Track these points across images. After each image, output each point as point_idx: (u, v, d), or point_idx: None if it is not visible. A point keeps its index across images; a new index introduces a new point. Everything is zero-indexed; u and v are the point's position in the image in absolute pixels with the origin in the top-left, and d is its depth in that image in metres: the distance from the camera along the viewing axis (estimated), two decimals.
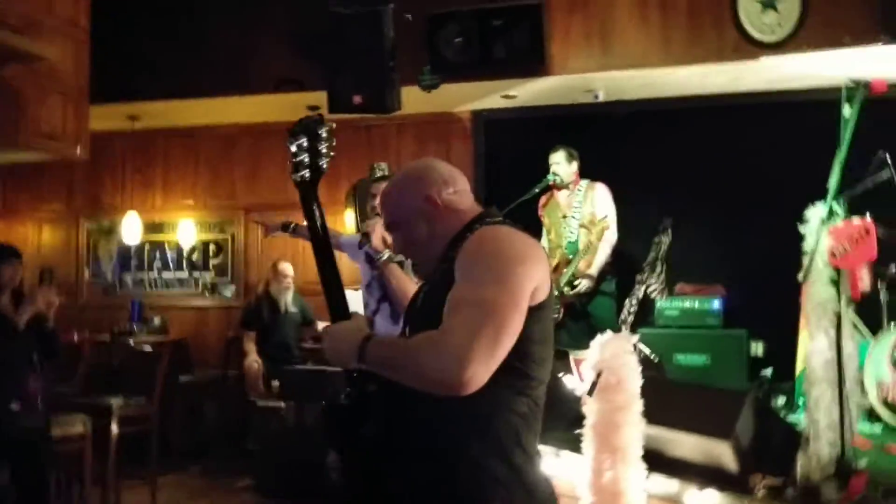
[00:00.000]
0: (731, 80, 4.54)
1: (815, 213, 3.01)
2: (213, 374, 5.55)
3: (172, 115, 5.63)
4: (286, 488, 4.36)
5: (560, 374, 3.87)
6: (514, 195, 4.33)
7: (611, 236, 4.34)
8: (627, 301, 3.22)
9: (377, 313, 2.94)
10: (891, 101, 3.28)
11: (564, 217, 4.52)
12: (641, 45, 4.38)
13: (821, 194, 3.40)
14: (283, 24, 4.87)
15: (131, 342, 5.33)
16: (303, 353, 5.25)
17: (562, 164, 4.50)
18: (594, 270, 4.31)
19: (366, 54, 4.22)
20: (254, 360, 5.03)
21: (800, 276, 3.03)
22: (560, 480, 3.09)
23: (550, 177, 4.48)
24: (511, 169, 5.03)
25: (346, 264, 4.49)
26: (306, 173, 1.54)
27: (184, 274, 6.10)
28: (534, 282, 1.42)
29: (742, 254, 4.62)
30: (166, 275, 6.14)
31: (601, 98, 4.87)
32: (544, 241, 4.62)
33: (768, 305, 4.29)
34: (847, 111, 3.18)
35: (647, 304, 4.28)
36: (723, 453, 2.84)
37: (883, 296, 3.24)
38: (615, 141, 4.94)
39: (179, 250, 6.09)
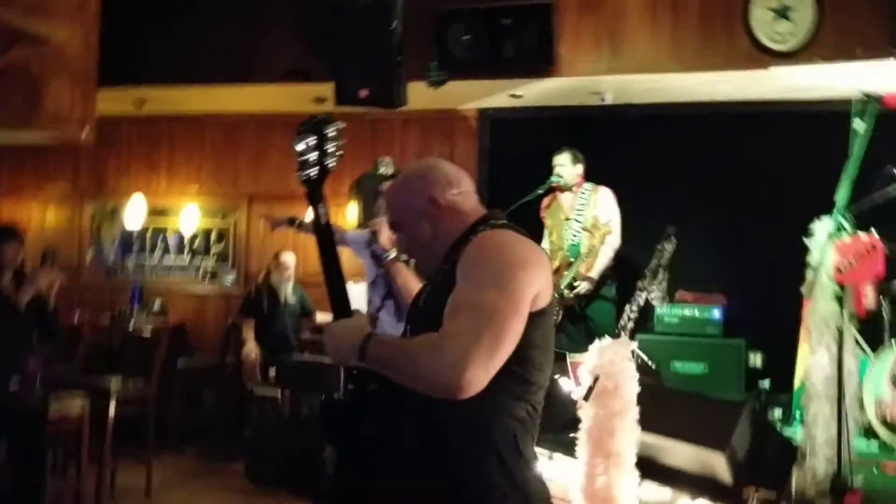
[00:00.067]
0: (741, 87, 4.52)
1: (822, 227, 3.00)
2: (211, 360, 5.57)
3: (179, 101, 5.62)
4: (278, 476, 4.39)
5: (556, 377, 3.87)
6: (518, 195, 4.32)
7: (614, 240, 4.33)
8: (627, 307, 3.21)
9: (382, 310, 2.95)
10: None
11: (567, 219, 4.51)
12: (651, 50, 4.35)
13: (827, 207, 3.39)
14: (292, 14, 4.85)
15: (131, 326, 5.35)
16: (300, 343, 5.25)
17: (566, 166, 4.49)
18: (595, 273, 4.30)
19: (374, 48, 4.21)
20: (252, 349, 5.04)
21: (804, 290, 3.02)
22: (553, 483, 3.10)
23: (554, 178, 4.47)
24: (515, 169, 5.01)
25: (348, 257, 4.50)
26: (312, 172, 1.54)
27: (185, 260, 6.11)
28: (535, 287, 1.42)
29: (744, 263, 4.61)
30: (167, 260, 6.14)
31: (608, 101, 4.85)
32: (546, 243, 4.61)
33: (768, 316, 4.29)
34: (858, 124, 3.17)
35: (646, 311, 4.27)
36: (717, 464, 2.83)
37: (886, 312, 3.23)
38: (621, 144, 4.92)
39: (181, 236, 6.10)
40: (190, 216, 5.98)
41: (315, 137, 1.54)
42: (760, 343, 4.35)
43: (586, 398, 2.95)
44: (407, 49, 4.25)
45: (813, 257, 3.02)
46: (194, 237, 6.08)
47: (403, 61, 4.22)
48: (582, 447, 2.96)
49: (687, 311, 4.48)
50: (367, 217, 4.42)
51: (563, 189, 4.53)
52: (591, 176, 4.56)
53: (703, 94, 4.71)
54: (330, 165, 1.55)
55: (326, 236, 1.54)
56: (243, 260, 6.00)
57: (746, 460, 2.94)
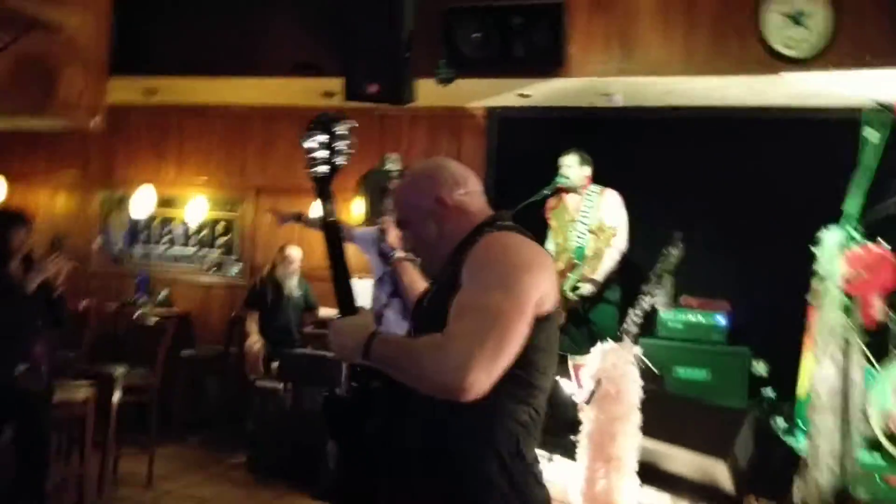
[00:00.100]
0: (753, 93, 4.48)
1: (830, 236, 2.98)
2: (215, 350, 5.58)
3: (189, 92, 5.62)
4: (279, 469, 4.40)
5: (558, 379, 3.86)
6: (524, 194, 4.30)
7: (620, 243, 4.31)
8: (632, 311, 3.20)
9: (388, 308, 2.95)
10: None
11: (572, 221, 4.50)
12: (662, 52, 4.32)
13: (835, 216, 3.36)
14: (303, 7, 4.84)
15: (136, 314, 5.37)
16: (303, 337, 5.26)
17: (573, 168, 4.47)
18: (600, 276, 4.29)
19: (384, 43, 4.20)
20: (255, 341, 5.06)
21: (810, 299, 3.00)
22: (552, 486, 3.10)
23: (561, 179, 4.46)
24: (522, 168, 4.99)
25: (353, 253, 4.50)
26: (321, 169, 1.54)
27: (191, 250, 6.12)
28: (540, 291, 1.42)
29: (750, 270, 4.58)
30: (174, 249, 6.16)
31: (618, 103, 4.82)
32: (550, 245, 4.60)
33: (773, 325, 4.26)
34: (869, 133, 3.14)
35: (650, 316, 4.26)
36: (718, 472, 2.83)
37: (893, 324, 3.20)
38: (629, 147, 4.89)
39: (189, 226, 6.11)
40: (197, 207, 5.99)
41: (325, 134, 1.53)
42: (765, 351, 4.33)
43: (588, 402, 2.95)
44: (416, 45, 4.24)
45: (821, 266, 3.00)
46: (201, 228, 6.09)
47: (412, 58, 4.21)
48: (583, 450, 2.96)
49: (691, 317, 4.46)
50: (373, 213, 4.43)
51: (569, 190, 4.51)
52: (599, 178, 4.54)
53: (713, 99, 4.68)
54: (339, 163, 1.54)
55: (334, 233, 1.54)
56: (249, 252, 6.01)
57: (748, 469, 2.94)
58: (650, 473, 2.95)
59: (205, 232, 6.09)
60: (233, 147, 6.05)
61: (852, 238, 2.99)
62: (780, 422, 3.91)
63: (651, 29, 4.32)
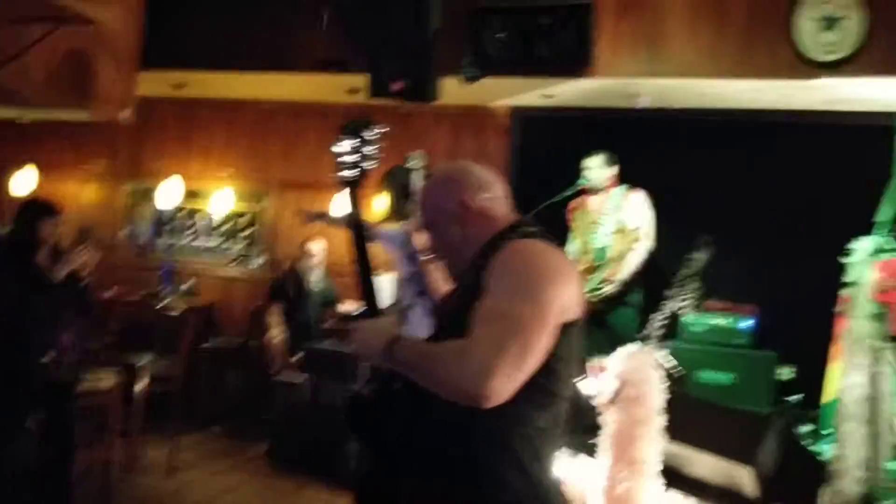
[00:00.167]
0: (783, 97, 4.43)
1: (862, 245, 2.94)
2: (237, 342, 5.63)
3: (217, 86, 5.67)
4: (298, 459, 4.45)
5: (576, 379, 3.85)
6: (547, 195, 4.29)
7: (644, 246, 4.28)
8: (656, 315, 3.17)
9: (414, 308, 2.96)
10: None
11: (594, 223, 4.48)
12: (691, 55, 4.28)
13: (867, 224, 3.32)
14: (331, 4, 4.86)
15: (161, 305, 5.44)
16: (323, 331, 5.30)
17: (597, 169, 4.45)
18: (622, 277, 4.27)
19: (410, 41, 4.20)
20: (277, 334, 5.10)
21: (840, 309, 2.96)
22: (571, 486, 3.09)
23: (583, 180, 4.44)
24: (545, 168, 4.98)
25: (376, 250, 4.51)
26: (350, 174, 1.55)
27: (215, 242, 6.18)
28: (563, 301, 1.42)
29: (777, 276, 4.53)
30: (198, 242, 6.22)
31: (644, 104, 4.79)
32: (572, 246, 4.58)
33: (800, 331, 4.20)
34: None
35: (674, 318, 4.23)
36: (743, 478, 2.81)
37: None
38: (655, 149, 4.85)
39: (212, 219, 6.17)
40: (222, 200, 6.04)
41: (355, 140, 1.55)
42: (790, 357, 4.28)
43: (610, 404, 2.94)
44: (442, 43, 4.23)
45: (852, 275, 2.96)
46: (225, 221, 6.14)
47: (438, 56, 4.21)
48: (604, 452, 2.94)
49: (716, 320, 4.42)
50: (395, 210, 4.44)
51: (591, 192, 4.49)
52: (624, 180, 4.51)
53: (742, 102, 4.63)
54: (367, 167, 1.56)
55: (360, 236, 1.56)
56: (272, 245, 6.06)
57: (773, 476, 2.91)
58: (674, 477, 2.93)
59: (229, 225, 6.14)
60: (258, 141, 6.09)
61: (884, 247, 2.94)
62: (804, 428, 3.87)
63: (679, 31, 4.28)
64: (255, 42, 5.04)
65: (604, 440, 2.95)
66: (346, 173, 1.56)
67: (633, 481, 2.82)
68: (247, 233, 6.12)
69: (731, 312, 4.40)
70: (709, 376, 4.26)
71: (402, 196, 4.45)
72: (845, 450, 2.83)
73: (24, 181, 6.34)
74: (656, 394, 2.93)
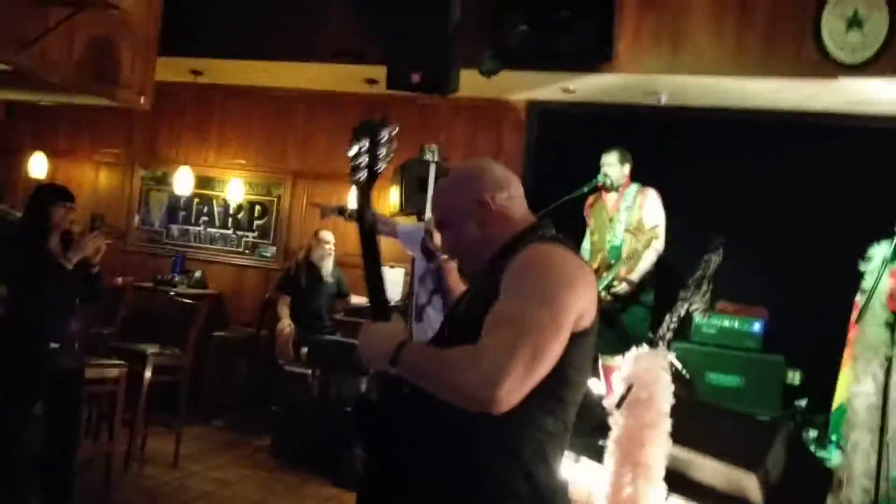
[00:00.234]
0: (806, 97, 4.36)
1: (879, 251, 2.89)
2: (246, 332, 5.65)
3: (233, 74, 5.67)
4: (303, 454, 4.44)
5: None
6: (563, 190, 4.26)
7: (658, 245, 4.24)
8: (668, 317, 3.14)
9: (429, 306, 2.95)
10: None
11: (611, 220, 4.44)
12: (713, 52, 4.22)
13: (884, 230, 3.26)
14: None
15: (171, 292, 5.46)
16: (334, 323, 5.30)
17: (614, 166, 4.40)
18: (636, 276, 4.23)
19: (430, 33, 4.16)
20: (286, 325, 5.11)
21: (854, 317, 2.92)
22: (577, 487, 3.08)
23: (601, 177, 4.40)
24: (561, 163, 4.94)
25: (385, 242, 4.48)
26: (363, 175, 1.54)
27: (227, 231, 6.20)
28: (579, 308, 1.40)
29: (790, 279, 4.48)
30: (211, 230, 6.24)
31: (663, 101, 4.73)
32: (587, 243, 4.55)
33: (810, 335, 4.17)
34: None
35: (684, 319, 4.19)
36: (749, 485, 2.77)
37: None
38: (673, 147, 4.80)
39: (226, 207, 6.19)
40: (235, 189, 6.06)
41: (368, 142, 1.54)
42: (800, 361, 4.24)
43: (618, 406, 2.91)
44: (461, 35, 4.20)
45: (867, 282, 2.91)
46: (238, 209, 6.16)
47: (458, 48, 4.18)
48: (610, 455, 2.92)
49: (726, 322, 4.39)
50: (408, 204, 4.41)
51: (608, 189, 4.45)
52: (639, 177, 4.47)
53: (763, 101, 4.56)
54: (380, 168, 1.54)
55: (371, 237, 1.55)
56: (284, 235, 6.07)
57: (779, 483, 2.88)
58: (678, 481, 2.90)
59: (242, 214, 6.16)
60: (274, 131, 6.09)
61: None
62: (811, 433, 3.83)
63: (702, 27, 4.22)
64: (273, 30, 5.03)
65: (610, 443, 2.93)
66: (361, 175, 1.54)
67: (638, 485, 2.80)
68: (259, 223, 6.13)
69: (742, 315, 4.36)
70: (717, 378, 4.23)
71: (416, 189, 4.43)
72: (853, 458, 2.79)
73: (40, 165, 6.39)
74: (665, 397, 2.90)
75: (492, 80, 4.49)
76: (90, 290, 3.35)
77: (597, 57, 4.30)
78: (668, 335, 3.07)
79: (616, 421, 2.92)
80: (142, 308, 5.26)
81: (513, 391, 1.29)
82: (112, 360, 3.89)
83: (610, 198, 4.48)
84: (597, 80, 4.59)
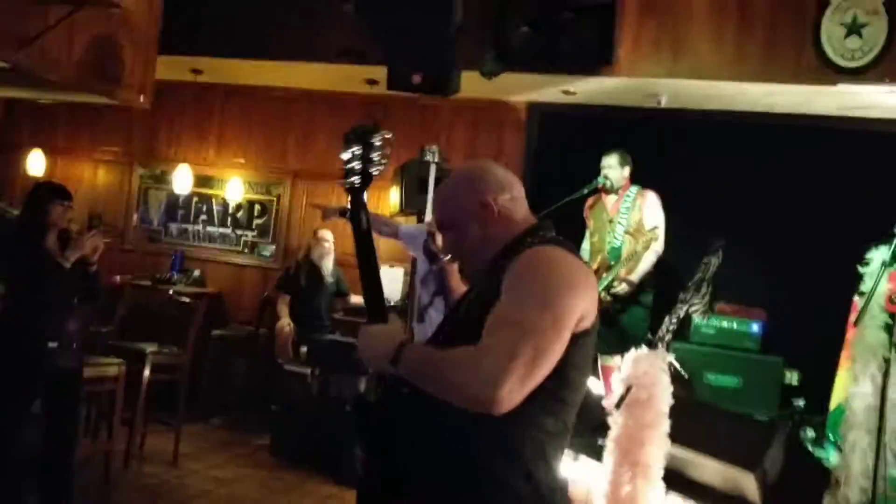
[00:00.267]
0: (804, 101, 4.39)
1: (878, 254, 2.91)
2: (245, 331, 5.65)
3: (234, 73, 5.68)
4: (302, 453, 4.45)
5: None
6: (563, 191, 4.27)
7: (658, 246, 4.27)
8: (667, 318, 3.15)
9: (431, 307, 2.96)
10: None
11: (610, 222, 4.46)
12: (713, 57, 4.25)
13: (884, 233, 3.28)
14: None
15: (170, 291, 5.45)
16: (333, 323, 5.30)
17: (614, 168, 4.42)
18: (636, 277, 4.25)
19: (432, 34, 4.17)
20: (286, 324, 5.11)
21: (852, 319, 2.94)
22: (576, 486, 3.09)
23: (601, 179, 4.41)
24: (561, 164, 4.96)
25: (385, 243, 4.49)
26: (356, 180, 1.55)
27: (227, 230, 6.20)
28: (580, 310, 1.41)
29: (789, 281, 4.50)
30: (210, 229, 6.24)
31: (663, 104, 4.76)
32: (586, 244, 4.56)
33: (808, 336, 4.20)
34: None
35: (683, 320, 4.21)
36: (746, 484, 2.79)
37: None
38: (672, 149, 4.82)
39: (225, 206, 6.19)
40: (235, 188, 6.06)
41: (360, 146, 1.55)
42: (798, 362, 4.27)
43: (617, 407, 2.93)
44: (463, 37, 4.21)
45: (865, 284, 2.94)
46: (238, 208, 6.16)
47: (459, 49, 4.19)
48: (609, 454, 2.94)
49: (725, 323, 4.41)
50: (408, 204, 4.42)
51: (608, 191, 4.47)
52: (639, 179, 4.49)
53: (762, 105, 4.59)
54: (374, 173, 1.55)
55: (366, 241, 1.55)
56: (283, 235, 6.07)
57: (777, 482, 2.89)
58: (676, 480, 2.92)
59: (241, 213, 6.16)
60: (274, 130, 6.10)
61: None
62: (809, 433, 3.86)
63: (702, 32, 4.25)
64: (274, 30, 5.04)
65: (610, 442, 2.94)
66: (354, 179, 1.55)
67: (637, 484, 2.81)
68: (259, 222, 6.14)
69: (741, 316, 4.39)
70: (716, 379, 4.25)
71: (417, 190, 4.44)
72: (851, 459, 2.81)
73: (39, 162, 6.38)
74: (664, 397, 2.91)
75: (493, 82, 4.51)
76: (88, 288, 3.34)
77: (597, 60, 4.32)
78: (668, 336, 3.09)
79: (615, 421, 2.94)
80: (140, 307, 5.25)
81: (513, 392, 1.29)
82: (111, 359, 3.88)
83: (610, 199, 4.50)
84: (597, 83, 4.61)
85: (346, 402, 4.28)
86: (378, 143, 1.55)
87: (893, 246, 2.80)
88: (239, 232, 6.17)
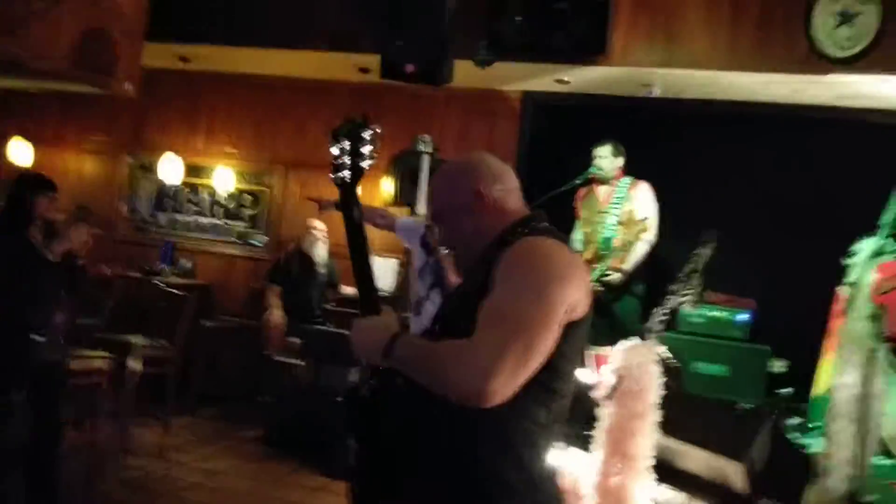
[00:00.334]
0: (795, 91, 4.39)
1: (864, 246, 2.93)
2: (235, 322, 5.62)
3: (223, 61, 5.61)
4: (292, 444, 4.45)
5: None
6: (556, 181, 4.27)
7: (650, 237, 4.27)
8: (658, 309, 3.17)
9: (428, 300, 2.96)
10: None
11: (602, 212, 4.46)
12: (706, 47, 4.24)
13: (871, 224, 3.30)
14: None
15: (160, 282, 5.42)
16: (324, 314, 5.29)
17: (607, 158, 4.42)
18: (629, 266, 4.26)
19: (425, 22, 4.14)
20: (276, 315, 5.09)
21: (836, 310, 2.96)
22: (565, 475, 3.10)
23: (593, 169, 4.41)
24: (555, 154, 4.95)
25: (377, 232, 4.47)
26: (346, 175, 1.54)
27: (217, 220, 6.16)
28: (571, 301, 1.41)
29: (778, 271, 4.52)
30: (200, 219, 6.20)
31: (656, 94, 4.75)
32: (578, 234, 4.56)
33: (795, 326, 4.22)
34: None
35: (674, 311, 4.23)
36: (734, 474, 2.82)
37: None
38: (665, 139, 4.82)
39: (216, 196, 6.14)
40: (225, 177, 6.01)
41: (350, 141, 1.54)
42: (785, 351, 4.29)
43: (608, 397, 2.94)
44: (456, 26, 4.19)
45: (852, 275, 2.95)
46: (228, 198, 6.12)
47: (452, 38, 4.16)
48: (599, 445, 2.95)
49: (714, 313, 4.43)
50: (402, 195, 4.40)
51: (600, 181, 4.47)
52: (632, 169, 4.49)
53: (754, 95, 4.59)
54: (364, 167, 1.54)
55: (359, 236, 1.55)
56: (275, 225, 6.03)
57: (762, 472, 2.92)
58: (664, 471, 2.94)
59: (232, 203, 6.12)
60: (265, 119, 6.04)
61: (885, 249, 2.93)
62: (794, 420, 3.89)
63: (695, 22, 4.25)
64: (264, 17, 4.98)
65: (599, 433, 2.96)
66: (343, 174, 1.54)
67: (626, 475, 2.83)
68: (250, 212, 6.10)
69: (729, 306, 4.41)
70: (704, 367, 4.28)
71: (410, 180, 4.43)
72: (834, 448, 2.84)
73: (23, 152, 6.30)
74: (655, 388, 2.93)
75: (486, 71, 4.49)
76: (73, 282, 3.31)
77: (591, 50, 4.31)
78: (659, 328, 3.10)
79: (606, 411, 2.95)
80: (129, 298, 5.21)
81: (504, 386, 1.30)
82: (98, 352, 3.85)
83: (602, 190, 4.50)
84: (591, 73, 4.60)
85: (337, 394, 4.28)
86: (368, 138, 1.55)
87: (879, 238, 2.81)
88: (229, 222, 6.13)
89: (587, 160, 4.43)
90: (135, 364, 4.11)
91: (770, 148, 4.67)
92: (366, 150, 1.54)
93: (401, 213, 4.23)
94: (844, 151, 4.39)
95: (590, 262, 4.26)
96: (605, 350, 4.10)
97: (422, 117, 5.46)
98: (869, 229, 3.19)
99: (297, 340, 4.89)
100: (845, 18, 3.87)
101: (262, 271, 5.60)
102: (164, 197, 6.25)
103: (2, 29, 3.73)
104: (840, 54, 3.87)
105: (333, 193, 4.92)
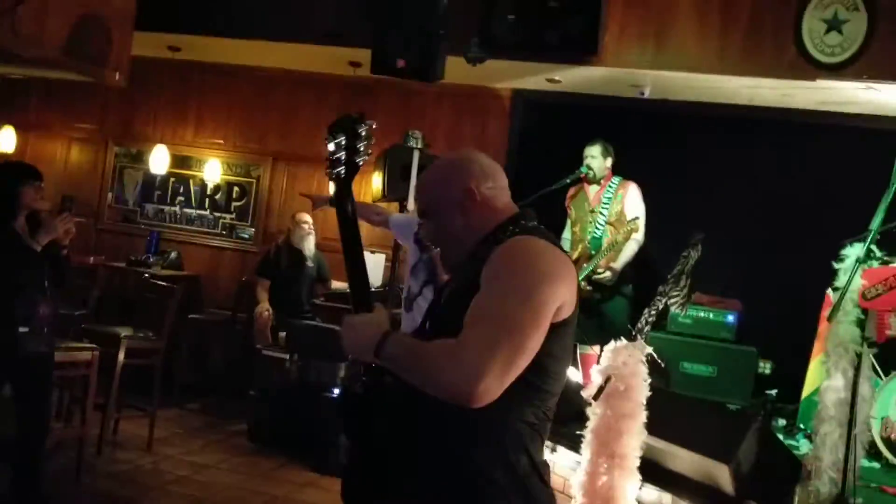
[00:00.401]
0: (783, 95, 4.43)
1: (852, 250, 2.96)
2: (223, 315, 5.59)
3: (213, 52, 5.57)
4: (280, 438, 4.43)
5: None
6: (545, 179, 4.28)
7: (639, 236, 4.30)
8: (646, 310, 3.18)
9: (420, 296, 2.96)
10: None
11: (591, 212, 4.47)
12: (696, 50, 4.28)
13: (859, 228, 3.33)
14: None
15: (146, 273, 5.37)
16: (313, 308, 5.27)
17: (597, 158, 4.43)
18: (618, 265, 4.28)
19: (418, 19, 4.13)
20: (265, 309, 5.07)
21: (825, 313, 2.99)
22: (553, 476, 3.12)
23: (583, 169, 4.42)
24: (545, 153, 4.96)
25: (368, 227, 4.46)
26: (342, 170, 1.53)
27: (205, 212, 6.11)
28: (559, 300, 1.42)
29: (765, 273, 4.57)
30: (187, 210, 6.15)
31: (646, 95, 4.77)
32: (567, 233, 4.58)
33: (782, 328, 4.28)
34: None
35: (663, 312, 4.25)
36: (721, 475, 2.84)
37: None
38: (654, 140, 4.86)
39: (203, 187, 6.09)
40: (213, 169, 5.97)
41: (345, 137, 1.53)
42: (771, 352, 4.34)
43: (595, 398, 2.95)
44: (448, 22, 4.18)
45: (839, 280, 2.98)
46: (216, 190, 6.07)
47: (444, 35, 4.15)
48: (587, 445, 2.97)
49: (701, 313, 4.47)
50: (391, 190, 4.39)
51: (590, 181, 4.48)
52: (621, 170, 4.51)
53: (743, 98, 4.63)
54: (359, 162, 1.54)
55: (352, 231, 1.55)
56: (263, 217, 6.01)
57: (750, 474, 2.95)
58: (652, 471, 2.96)
59: (220, 195, 6.07)
60: (254, 111, 6.00)
61: (873, 255, 2.96)
62: (780, 422, 3.94)
63: (687, 25, 4.28)
64: (255, 8, 4.94)
65: (588, 433, 2.97)
66: (339, 169, 1.54)
67: (614, 475, 2.85)
68: (238, 204, 6.06)
69: (717, 307, 4.45)
70: (691, 368, 4.32)
71: (399, 176, 4.41)
72: (821, 451, 2.87)
73: (9, 139, 6.21)
74: (642, 389, 2.94)
75: (477, 68, 4.48)
76: (57, 273, 3.27)
77: (583, 50, 4.33)
78: (646, 328, 3.12)
79: (594, 411, 2.96)
80: (115, 289, 5.17)
81: (492, 387, 1.31)
82: (84, 344, 3.81)
83: (591, 190, 4.51)
84: (582, 73, 4.61)
85: (325, 389, 4.27)
86: (363, 133, 1.54)
87: (867, 243, 2.84)
88: (217, 214, 6.09)
89: (577, 159, 4.45)
90: (121, 356, 4.07)
91: (759, 150, 4.71)
92: (361, 145, 1.54)
93: (390, 209, 4.22)
94: (833, 155, 4.44)
95: (578, 262, 4.27)
96: (593, 350, 4.14)
97: (412, 113, 5.45)
98: (857, 233, 3.22)
99: (285, 334, 4.87)
100: (834, 25, 3.91)
101: (251, 264, 5.58)
102: (151, 187, 6.19)
103: None
104: (828, 60, 3.92)
105: (322, 186, 4.92)
